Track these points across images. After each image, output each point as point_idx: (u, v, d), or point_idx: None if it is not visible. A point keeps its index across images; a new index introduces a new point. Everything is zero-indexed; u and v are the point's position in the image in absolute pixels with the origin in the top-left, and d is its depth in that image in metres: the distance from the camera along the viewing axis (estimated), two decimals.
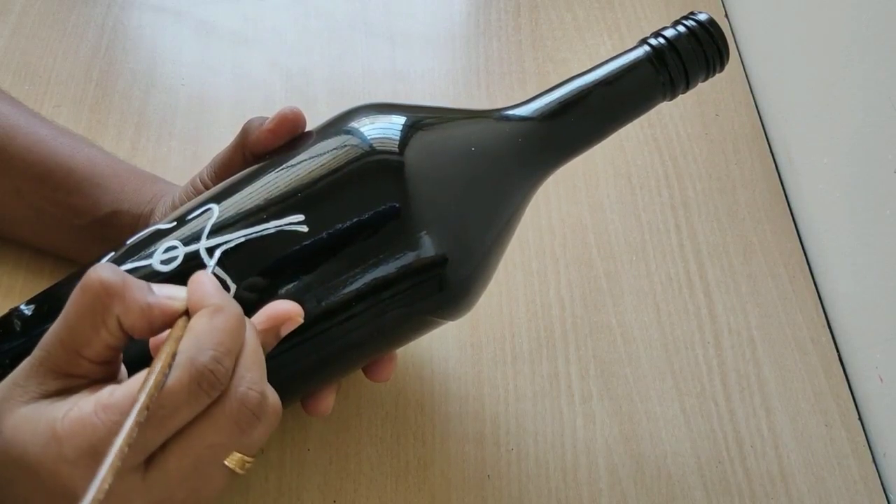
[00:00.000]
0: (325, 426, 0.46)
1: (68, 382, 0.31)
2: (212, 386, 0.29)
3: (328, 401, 0.40)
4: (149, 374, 0.29)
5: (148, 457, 0.30)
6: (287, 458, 0.45)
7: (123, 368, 0.33)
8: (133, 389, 0.29)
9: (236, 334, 0.31)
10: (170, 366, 0.29)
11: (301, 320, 0.34)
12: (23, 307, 0.38)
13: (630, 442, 0.47)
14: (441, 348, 0.50)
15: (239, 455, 0.32)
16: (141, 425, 0.28)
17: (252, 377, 0.31)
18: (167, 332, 0.31)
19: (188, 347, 0.30)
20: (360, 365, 0.40)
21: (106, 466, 0.26)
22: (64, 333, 0.30)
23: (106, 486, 0.26)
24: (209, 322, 0.30)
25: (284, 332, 0.34)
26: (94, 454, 0.29)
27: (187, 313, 0.31)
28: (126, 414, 0.28)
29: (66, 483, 0.29)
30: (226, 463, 0.32)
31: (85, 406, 0.29)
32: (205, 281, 0.32)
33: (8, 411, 0.30)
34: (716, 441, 0.48)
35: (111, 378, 0.32)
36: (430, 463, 0.46)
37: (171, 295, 0.32)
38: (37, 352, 0.31)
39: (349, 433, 0.46)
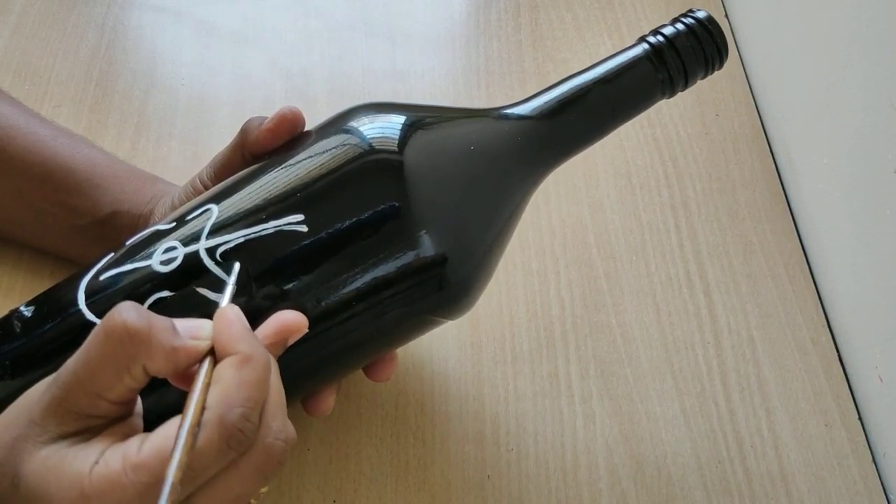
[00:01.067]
0: (325, 426, 0.46)
1: (88, 423, 0.30)
2: (240, 443, 0.29)
3: (329, 401, 0.40)
4: (178, 433, 0.28)
5: None
6: (287, 458, 0.45)
7: (139, 402, 0.33)
8: (161, 447, 0.29)
9: (264, 385, 0.30)
10: (198, 423, 0.29)
11: (306, 329, 0.34)
12: (23, 308, 0.38)
13: (630, 442, 0.47)
14: (441, 348, 0.50)
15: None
16: (173, 485, 0.27)
17: (277, 426, 0.31)
18: (193, 368, 0.31)
19: (217, 403, 0.29)
20: (360, 365, 0.40)
21: None
22: (85, 377, 0.30)
23: None
24: (237, 374, 0.30)
25: (290, 342, 0.34)
26: None
27: (213, 352, 0.31)
28: (156, 475, 0.28)
29: None
30: None
31: (113, 463, 0.29)
32: (233, 321, 0.31)
33: (26, 452, 0.30)
34: (716, 441, 0.48)
35: (129, 414, 0.32)
36: (430, 463, 0.46)
37: (196, 335, 0.31)
38: (56, 391, 0.30)
39: (349, 433, 0.46)
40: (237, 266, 0.35)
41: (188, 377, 0.31)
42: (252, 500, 0.32)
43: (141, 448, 0.29)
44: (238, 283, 0.35)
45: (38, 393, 0.31)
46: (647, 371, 0.50)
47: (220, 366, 0.30)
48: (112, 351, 0.29)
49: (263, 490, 0.32)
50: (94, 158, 0.46)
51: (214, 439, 0.29)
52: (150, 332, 0.29)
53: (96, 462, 0.29)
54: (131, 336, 0.29)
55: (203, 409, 0.29)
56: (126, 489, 0.28)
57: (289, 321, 0.34)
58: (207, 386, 0.30)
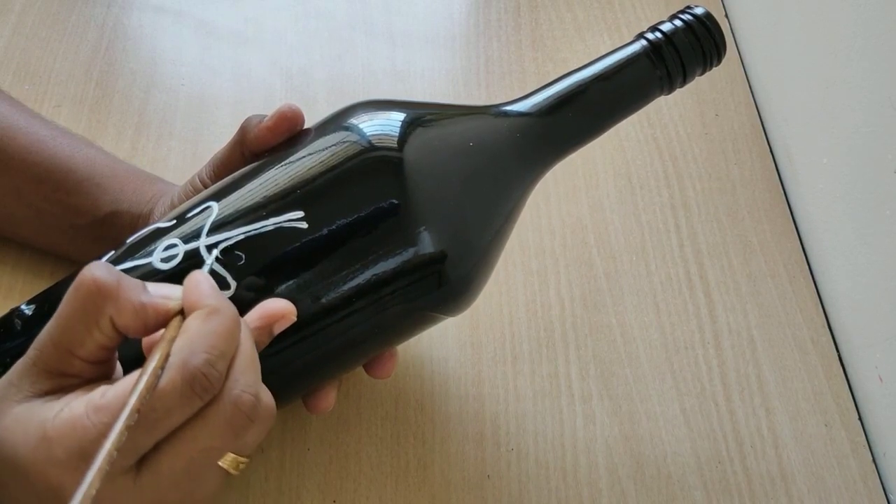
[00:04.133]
0: (324, 426, 0.46)
1: (62, 382, 0.31)
2: (204, 389, 0.29)
3: (330, 398, 0.40)
4: (140, 375, 0.28)
5: (140, 459, 0.30)
6: (287, 458, 0.45)
7: (119, 367, 0.33)
8: (124, 390, 0.29)
9: (231, 337, 0.30)
10: (162, 368, 0.29)
11: (294, 318, 0.34)
12: (23, 307, 0.38)
13: (630, 442, 0.47)
14: (441, 348, 0.50)
15: (233, 456, 0.32)
16: (132, 428, 0.27)
17: (246, 380, 0.31)
18: (161, 331, 0.31)
19: (181, 349, 0.29)
20: (361, 361, 0.41)
21: (94, 470, 0.26)
22: (57, 333, 0.30)
23: (93, 492, 0.25)
24: (203, 324, 0.30)
25: (277, 330, 0.34)
26: (84, 456, 0.28)
27: (182, 314, 0.31)
28: (117, 416, 0.28)
29: (55, 485, 0.29)
30: (219, 464, 0.31)
31: (76, 407, 0.29)
32: (201, 280, 0.32)
33: (1, 412, 0.30)
34: (716, 441, 0.48)
35: (105, 377, 0.32)
36: (430, 463, 0.46)
37: (166, 295, 0.31)
38: (31, 351, 0.31)
39: (349, 433, 0.46)
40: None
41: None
42: (230, 469, 0.32)
43: (105, 393, 0.29)
44: (237, 278, 0.35)
45: (18, 361, 0.31)
46: (647, 371, 0.50)
47: (188, 319, 0.30)
48: (81, 304, 0.30)
49: (242, 459, 0.32)
50: (94, 158, 0.46)
51: (177, 381, 0.29)
52: (119, 286, 0.30)
53: (61, 409, 0.29)
54: (99, 288, 0.30)
55: (167, 357, 0.29)
56: (87, 430, 0.28)
57: (273, 308, 0.34)
58: (174, 339, 0.30)
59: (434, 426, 0.47)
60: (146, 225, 0.40)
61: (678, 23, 0.40)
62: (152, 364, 0.29)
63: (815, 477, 0.47)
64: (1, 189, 0.45)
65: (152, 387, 0.28)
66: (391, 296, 0.36)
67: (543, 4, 0.68)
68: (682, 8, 0.41)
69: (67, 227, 0.46)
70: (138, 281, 0.31)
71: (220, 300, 0.31)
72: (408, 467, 0.45)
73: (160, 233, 0.37)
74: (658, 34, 0.40)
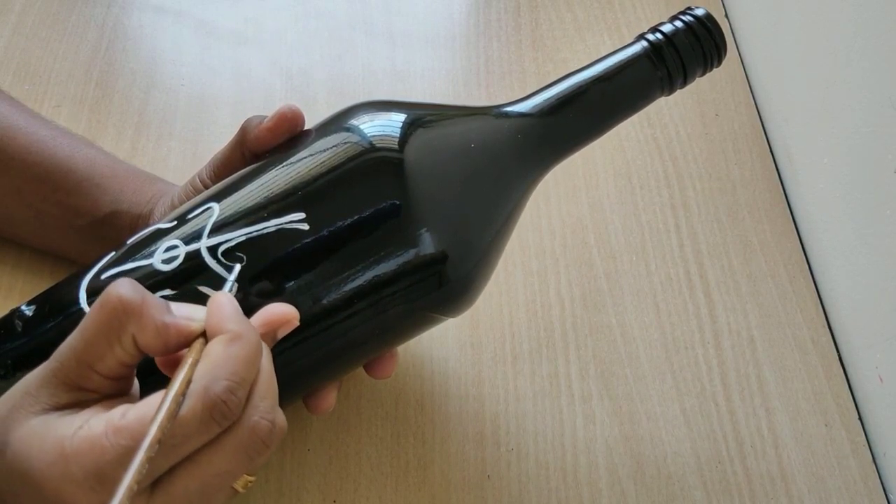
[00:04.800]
0: (325, 426, 0.46)
1: (79, 396, 0.31)
2: (224, 416, 0.29)
3: (330, 398, 0.40)
4: (162, 401, 0.28)
5: (154, 481, 0.30)
6: (287, 458, 0.45)
7: (136, 384, 0.33)
8: (145, 414, 0.29)
9: (252, 364, 0.30)
10: (184, 394, 0.29)
11: (297, 323, 0.34)
12: (24, 308, 0.38)
13: (630, 442, 0.47)
14: (441, 348, 0.50)
15: (244, 476, 0.32)
16: (151, 458, 0.27)
17: (265, 406, 0.31)
18: (183, 351, 0.31)
19: (203, 376, 0.29)
20: (361, 362, 0.41)
21: (116, 501, 0.26)
22: (79, 346, 0.30)
23: None
24: (225, 350, 0.30)
25: (281, 335, 0.34)
26: (101, 477, 0.28)
27: (205, 336, 0.31)
28: (137, 439, 0.28)
29: (69, 503, 0.29)
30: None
31: (96, 426, 0.29)
32: (224, 303, 0.32)
33: (17, 422, 0.30)
34: (716, 441, 0.48)
35: (123, 394, 0.32)
36: (430, 463, 0.46)
37: (189, 316, 0.31)
38: (51, 362, 0.31)
39: (349, 433, 0.46)
40: (238, 266, 0.35)
41: (178, 363, 0.31)
42: (239, 488, 0.32)
43: (125, 414, 0.29)
44: (239, 280, 0.35)
45: (36, 370, 0.31)
46: (647, 371, 0.50)
47: (210, 343, 0.30)
48: (105, 320, 0.30)
49: (251, 478, 0.32)
50: (94, 158, 0.46)
51: (198, 408, 0.29)
52: (143, 304, 0.30)
53: (80, 427, 0.29)
54: (124, 306, 0.30)
55: (189, 382, 0.29)
56: (105, 451, 0.28)
57: (277, 313, 0.33)
58: (196, 363, 0.30)
59: (434, 426, 0.47)
60: (146, 225, 0.40)
61: (679, 24, 0.40)
62: (173, 390, 0.29)
63: (815, 477, 0.47)
64: (1, 189, 0.45)
65: (174, 414, 0.28)
66: (392, 296, 0.36)
67: (543, 4, 0.68)
68: (682, 9, 0.41)
69: (67, 227, 0.46)
70: (163, 301, 0.31)
71: (242, 325, 0.31)
72: (408, 467, 0.45)
73: (161, 234, 0.37)
74: (659, 35, 0.40)
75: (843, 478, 0.47)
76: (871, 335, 0.50)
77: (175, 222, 0.37)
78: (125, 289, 0.30)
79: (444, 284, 0.37)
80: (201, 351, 0.30)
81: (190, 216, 0.37)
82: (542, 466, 0.46)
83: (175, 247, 0.36)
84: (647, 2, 0.69)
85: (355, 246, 0.35)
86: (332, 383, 0.40)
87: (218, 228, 0.36)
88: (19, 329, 0.37)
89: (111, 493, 0.28)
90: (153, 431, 0.27)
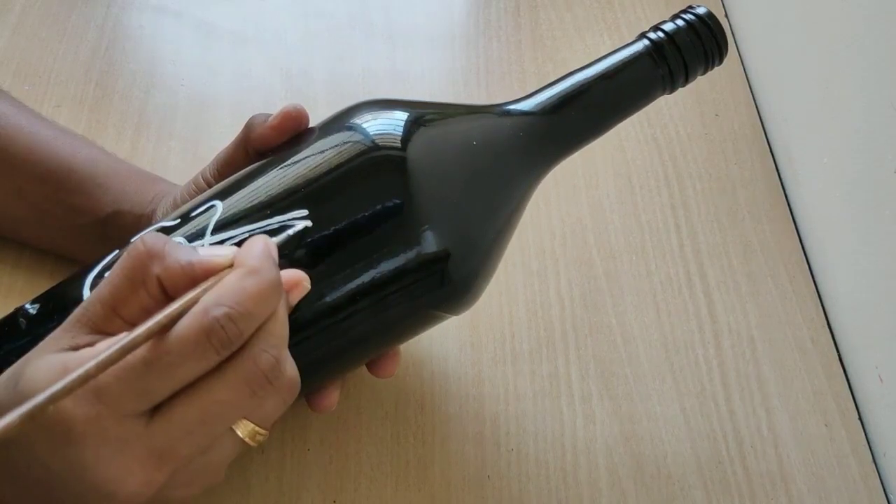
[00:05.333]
0: (325, 426, 0.46)
1: (99, 338, 0.30)
2: (221, 342, 0.29)
3: (333, 397, 0.40)
4: (159, 311, 0.28)
5: (156, 407, 0.30)
6: (287, 458, 0.45)
7: None
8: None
9: (263, 301, 0.30)
10: (183, 313, 0.29)
11: (308, 286, 0.34)
12: (28, 306, 0.38)
13: (630, 442, 0.47)
14: (441, 348, 0.50)
15: (251, 425, 0.31)
16: (144, 371, 0.27)
17: (270, 342, 0.30)
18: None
19: (208, 298, 0.29)
20: (364, 360, 0.41)
21: (64, 381, 0.26)
22: (105, 291, 0.30)
23: (47, 403, 0.25)
24: (238, 281, 0.30)
25: (293, 300, 0.33)
26: (98, 390, 0.28)
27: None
28: (137, 355, 0.28)
29: (68, 416, 0.29)
30: (237, 431, 0.31)
31: (100, 346, 0.29)
32: (258, 242, 0.32)
33: (35, 358, 0.30)
34: (716, 441, 0.48)
35: None
36: (430, 463, 0.46)
37: (215, 252, 0.31)
38: (78, 309, 0.31)
39: (349, 433, 0.46)
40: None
41: None
42: (247, 438, 0.32)
43: (130, 333, 0.29)
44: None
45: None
46: (647, 371, 0.50)
47: (228, 275, 0.30)
48: (130, 265, 0.30)
49: (260, 430, 0.32)
50: (96, 158, 0.46)
51: (193, 326, 0.29)
52: (167, 246, 0.30)
53: (85, 347, 0.30)
54: (148, 249, 0.30)
55: (195, 303, 0.29)
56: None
57: (287, 276, 0.33)
58: (207, 289, 0.30)
59: (434, 426, 0.47)
60: (148, 224, 0.40)
61: (680, 22, 0.41)
62: (174, 305, 0.29)
63: (815, 477, 0.47)
64: (2, 189, 0.45)
65: (162, 324, 0.28)
66: (395, 295, 0.36)
67: (543, 4, 0.68)
68: (683, 8, 0.41)
69: (69, 227, 0.46)
70: (188, 245, 0.32)
71: (265, 262, 0.31)
72: (408, 467, 0.45)
73: (164, 231, 0.37)
74: (660, 33, 0.40)
75: (843, 478, 0.47)
76: (871, 335, 0.50)
77: (178, 220, 0.37)
78: (149, 237, 0.30)
79: (447, 282, 0.37)
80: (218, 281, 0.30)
81: (193, 214, 0.37)
82: (542, 466, 0.46)
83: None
84: (647, 1, 0.69)
85: (358, 244, 0.35)
86: (334, 381, 0.40)
87: (221, 226, 0.36)
88: (24, 327, 0.37)
89: (110, 405, 0.28)
90: (137, 331, 0.27)
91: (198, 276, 0.30)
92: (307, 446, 0.46)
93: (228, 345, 0.29)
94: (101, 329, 0.30)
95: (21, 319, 0.37)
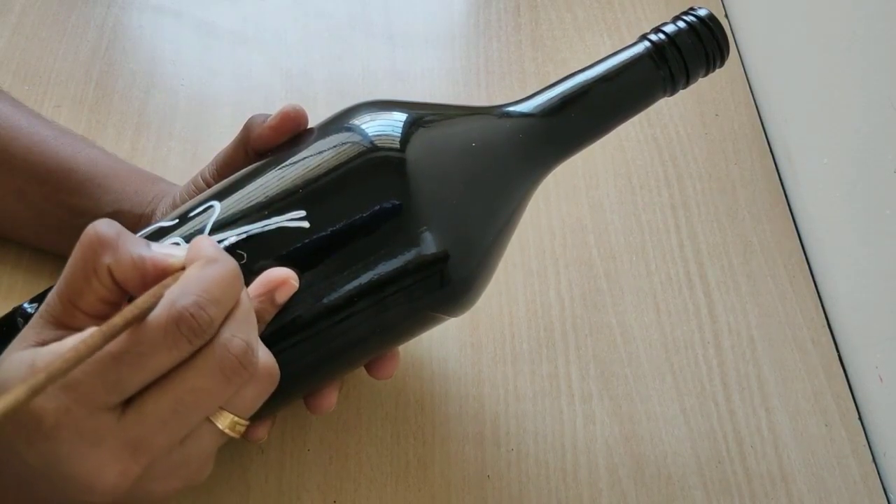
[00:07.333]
0: (324, 426, 0.46)
1: (64, 334, 0.31)
2: (192, 331, 0.29)
3: (331, 398, 0.40)
4: (124, 307, 0.28)
5: (129, 399, 0.30)
6: (287, 458, 0.45)
7: None
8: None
9: (227, 286, 0.30)
10: (151, 308, 0.29)
11: (295, 284, 0.34)
12: (26, 306, 0.38)
13: (630, 442, 0.47)
14: (441, 348, 0.50)
15: (230, 416, 0.31)
16: (115, 363, 0.27)
17: (240, 328, 0.30)
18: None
19: (173, 291, 0.29)
20: (362, 361, 0.41)
21: (30, 383, 0.26)
22: (61, 284, 0.31)
23: (13, 400, 0.25)
24: (200, 271, 0.30)
25: (280, 299, 0.34)
26: (66, 384, 0.28)
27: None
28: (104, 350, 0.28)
29: (36, 412, 0.29)
30: (216, 422, 0.31)
31: (68, 341, 0.29)
32: (204, 239, 0.32)
33: (4, 360, 0.30)
34: (716, 441, 0.48)
35: None
36: (430, 463, 0.46)
37: (168, 252, 0.31)
38: (41, 306, 0.31)
39: (349, 433, 0.46)
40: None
41: None
42: (229, 431, 0.32)
43: (97, 329, 0.29)
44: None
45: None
46: (647, 371, 0.50)
47: (187, 269, 0.30)
48: (81, 255, 0.30)
49: (240, 420, 0.32)
50: (96, 158, 0.46)
51: (163, 318, 0.29)
52: (118, 238, 0.30)
53: (53, 343, 0.30)
54: (99, 238, 0.30)
55: (159, 298, 0.29)
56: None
57: (274, 275, 0.33)
58: (168, 285, 0.30)
59: (434, 426, 0.47)
60: (148, 225, 0.40)
61: (681, 24, 0.40)
62: (141, 300, 0.29)
63: (815, 477, 0.47)
64: (2, 189, 0.45)
65: (132, 320, 0.28)
66: (393, 296, 0.36)
67: (543, 4, 0.68)
68: (684, 9, 0.41)
69: (69, 227, 0.45)
70: (142, 238, 0.31)
71: (220, 253, 0.31)
72: (408, 467, 0.45)
73: (163, 232, 0.37)
74: (661, 35, 0.40)
75: (843, 478, 0.47)
76: (871, 335, 0.50)
77: (177, 220, 0.37)
78: (101, 224, 0.30)
79: (446, 284, 0.37)
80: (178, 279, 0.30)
81: (192, 214, 0.37)
82: (542, 466, 0.46)
83: (177, 244, 0.36)
84: (647, 2, 0.69)
85: (356, 245, 0.35)
86: (332, 383, 0.40)
87: (219, 226, 0.36)
88: (22, 327, 0.37)
89: (81, 398, 0.28)
90: (102, 327, 0.27)
91: (148, 273, 0.30)
92: (307, 447, 0.46)
93: (200, 333, 0.29)
94: (65, 323, 0.31)
95: (19, 319, 0.38)
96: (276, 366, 0.32)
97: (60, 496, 0.30)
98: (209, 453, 0.32)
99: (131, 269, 0.30)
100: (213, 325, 0.30)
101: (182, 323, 0.29)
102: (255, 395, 0.32)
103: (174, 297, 0.29)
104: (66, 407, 0.28)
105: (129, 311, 0.28)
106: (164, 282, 0.30)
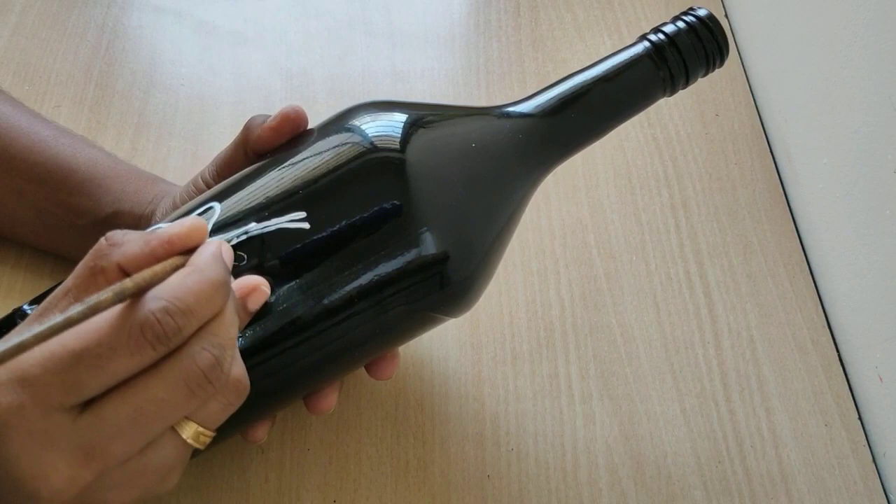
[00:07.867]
0: (325, 426, 0.46)
1: None
2: (156, 337, 0.28)
3: (331, 399, 0.40)
4: (89, 297, 0.28)
5: (89, 402, 0.29)
6: (287, 458, 0.45)
7: None
8: (83, 326, 0.28)
9: (203, 297, 0.29)
10: (118, 300, 0.28)
11: (267, 290, 0.33)
12: (26, 307, 0.38)
13: (630, 442, 0.47)
14: (441, 348, 0.50)
15: (195, 426, 0.31)
16: (74, 363, 0.27)
17: (212, 341, 0.30)
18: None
19: (148, 294, 0.29)
20: (362, 362, 0.41)
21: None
22: (68, 282, 0.31)
23: None
24: (181, 278, 0.29)
25: (252, 306, 0.33)
26: (23, 378, 0.28)
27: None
28: (66, 346, 0.27)
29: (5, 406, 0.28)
30: (180, 432, 0.30)
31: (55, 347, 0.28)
32: (210, 245, 0.32)
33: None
34: (716, 441, 0.48)
35: None
36: (430, 463, 0.46)
37: (176, 224, 0.32)
38: (43, 302, 0.31)
39: (349, 433, 0.46)
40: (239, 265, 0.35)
41: None
42: (193, 442, 0.31)
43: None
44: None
45: None
46: (647, 371, 0.50)
47: (172, 276, 0.30)
48: (91, 256, 0.30)
49: (206, 432, 0.31)
50: (96, 158, 0.46)
51: (125, 316, 0.28)
52: (126, 236, 0.31)
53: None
54: (108, 240, 0.30)
55: (124, 289, 0.28)
56: (31, 354, 0.28)
57: (244, 282, 0.33)
58: (143, 271, 0.29)
59: (434, 426, 0.47)
60: (148, 225, 0.40)
61: (681, 24, 0.40)
62: (115, 285, 0.28)
63: (815, 477, 0.47)
64: (2, 189, 0.45)
65: (96, 309, 0.27)
66: (393, 297, 0.36)
67: (543, 4, 0.68)
68: (684, 9, 0.41)
69: (69, 227, 0.46)
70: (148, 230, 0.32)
71: (210, 262, 0.31)
72: (408, 467, 0.45)
73: None
74: (661, 35, 0.40)
75: (843, 478, 0.47)
76: (871, 335, 0.50)
77: None
78: (112, 232, 0.31)
79: (446, 285, 0.37)
80: (161, 268, 0.30)
81: (192, 215, 0.37)
82: (542, 466, 0.46)
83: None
84: (647, 2, 0.69)
85: (356, 246, 0.35)
86: (332, 384, 0.40)
87: (219, 228, 0.36)
88: None
89: (35, 396, 0.27)
90: (70, 312, 0.26)
91: (155, 249, 0.30)
92: (307, 446, 0.46)
93: (165, 340, 0.28)
94: None
95: (19, 320, 0.37)
96: (247, 380, 0.31)
97: (3, 499, 0.29)
98: (171, 464, 0.31)
99: (141, 254, 0.30)
100: (180, 334, 0.29)
101: (147, 327, 0.28)
102: (221, 408, 0.31)
103: (145, 298, 0.28)
104: (19, 403, 0.27)
105: (97, 297, 0.27)
106: (143, 273, 0.29)
